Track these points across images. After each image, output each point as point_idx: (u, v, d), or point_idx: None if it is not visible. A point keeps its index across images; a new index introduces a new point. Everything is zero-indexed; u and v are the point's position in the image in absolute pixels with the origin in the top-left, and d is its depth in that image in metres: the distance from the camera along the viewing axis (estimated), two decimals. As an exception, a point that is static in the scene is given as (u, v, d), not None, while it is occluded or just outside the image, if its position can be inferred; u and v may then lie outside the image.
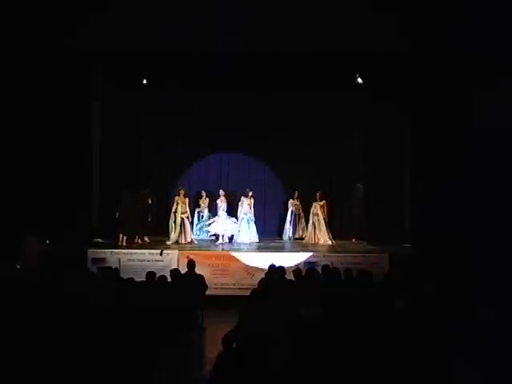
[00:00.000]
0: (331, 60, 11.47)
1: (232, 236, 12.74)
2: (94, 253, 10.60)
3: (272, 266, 8.19)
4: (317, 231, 12.87)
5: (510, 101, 9.62)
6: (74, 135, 11.43)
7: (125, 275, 8.34)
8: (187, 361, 6.71)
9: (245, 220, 12.78)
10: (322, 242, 12.74)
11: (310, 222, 12.99)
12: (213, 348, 5.99)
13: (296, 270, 8.37)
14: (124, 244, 11.70)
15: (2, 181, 10.50)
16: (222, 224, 12.70)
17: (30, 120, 10.81)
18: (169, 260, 10.50)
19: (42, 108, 10.94)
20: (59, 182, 11.18)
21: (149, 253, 10.75)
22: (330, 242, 12.71)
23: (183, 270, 8.86)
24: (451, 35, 10.10)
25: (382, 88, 11.90)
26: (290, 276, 8.07)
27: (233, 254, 10.81)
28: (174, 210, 12.46)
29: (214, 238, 12.91)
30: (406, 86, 11.56)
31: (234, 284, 10.36)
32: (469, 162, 10.26)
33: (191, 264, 8.78)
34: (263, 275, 8.20)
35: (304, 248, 12.01)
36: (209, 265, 10.40)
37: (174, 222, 12.37)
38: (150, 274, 7.78)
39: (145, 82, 12.83)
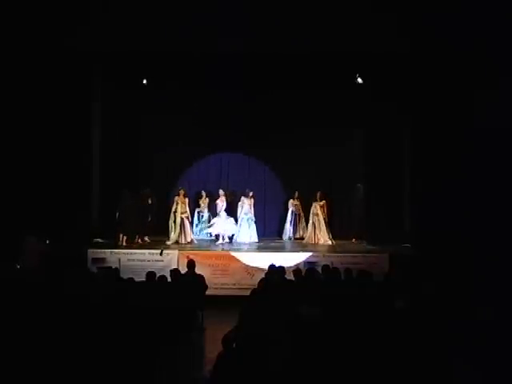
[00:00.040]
0: (331, 60, 11.47)
1: (232, 236, 12.75)
2: (93, 253, 10.60)
3: (272, 266, 8.19)
4: (317, 231, 12.87)
5: (510, 101, 9.62)
6: (74, 135, 11.43)
7: (125, 275, 8.33)
8: (187, 361, 6.71)
9: (245, 220, 12.79)
10: (322, 241, 12.74)
11: (310, 222, 12.99)
12: (213, 348, 5.98)
13: (296, 270, 8.37)
14: (124, 244, 11.69)
15: (2, 181, 10.50)
16: (222, 224, 12.71)
17: (30, 120, 10.81)
18: (169, 260, 10.50)
19: (42, 108, 10.94)
20: (59, 182, 11.18)
21: (149, 253, 10.74)
22: (329, 242, 12.71)
23: (183, 270, 8.85)
24: (451, 35, 10.10)
25: (381, 88, 11.90)
26: (290, 276, 8.06)
27: (233, 253, 10.81)
28: (173, 209, 12.46)
29: (214, 238, 12.91)
30: (406, 86, 11.56)
31: (234, 284, 10.36)
32: (469, 161, 10.26)
33: (191, 264, 8.78)
34: (263, 275, 8.20)
35: (304, 248, 12.01)
36: (209, 265, 10.40)
37: (174, 221, 12.37)
38: (150, 274, 7.78)
39: (145, 82, 12.82)
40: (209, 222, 13.14)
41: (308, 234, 13.04)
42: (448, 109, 10.63)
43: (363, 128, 13.20)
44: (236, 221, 12.88)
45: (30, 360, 4.83)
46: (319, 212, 12.89)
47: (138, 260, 10.56)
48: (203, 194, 13.42)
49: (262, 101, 13.31)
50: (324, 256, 10.73)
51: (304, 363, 4.53)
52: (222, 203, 12.90)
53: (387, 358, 4.72)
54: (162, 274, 8.04)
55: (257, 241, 12.70)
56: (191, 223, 12.87)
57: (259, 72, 12.12)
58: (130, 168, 13.10)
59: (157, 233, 12.66)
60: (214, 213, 13.10)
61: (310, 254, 10.80)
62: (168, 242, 12.13)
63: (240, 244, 12.40)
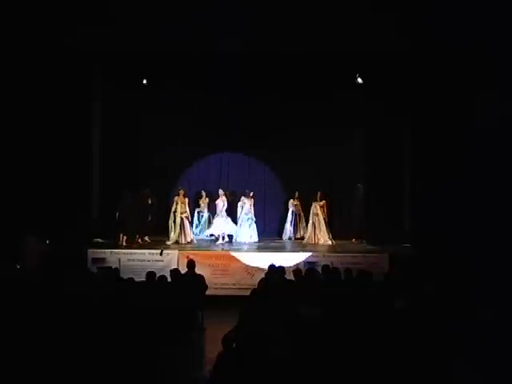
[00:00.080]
0: (331, 60, 11.48)
1: (232, 236, 12.75)
2: (93, 253, 10.60)
3: (272, 266, 8.19)
4: (317, 231, 12.87)
5: (510, 101, 9.62)
6: (74, 135, 11.44)
7: (125, 275, 8.33)
8: (187, 361, 6.71)
9: (246, 220, 12.79)
10: (322, 241, 12.74)
11: (310, 222, 12.99)
12: (213, 348, 5.98)
13: (296, 270, 8.36)
14: (124, 244, 11.69)
15: (2, 181, 10.50)
16: (221, 224, 12.71)
17: (30, 120, 10.82)
18: (169, 260, 10.50)
19: (42, 108, 10.95)
20: (59, 181, 11.18)
21: (149, 253, 10.75)
22: (329, 242, 12.71)
23: (183, 270, 8.85)
24: (451, 35, 10.10)
25: (382, 88, 11.89)
26: (290, 276, 8.06)
27: (233, 253, 10.81)
28: (173, 209, 12.46)
29: (213, 238, 12.91)
30: (406, 86, 11.56)
31: (234, 284, 10.36)
32: (469, 161, 10.26)
33: (191, 264, 8.78)
34: (263, 275, 8.20)
35: (304, 248, 12.01)
36: (209, 265, 10.40)
37: (174, 221, 12.37)
38: (150, 274, 7.78)
39: (145, 82, 12.82)
40: (209, 222, 13.15)
41: (308, 234, 13.03)
42: (448, 109, 10.62)
43: (363, 128, 13.19)
44: (235, 221, 12.89)
45: (30, 360, 4.83)
46: (319, 212, 12.88)
47: (138, 260, 10.56)
48: (203, 194, 13.41)
49: (262, 101, 13.29)
50: (324, 256, 10.73)
51: (304, 363, 4.53)
52: (222, 203, 12.90)
53: (387, 357, 4.73)
54: (161, 273, 8.04)
55: (257, 240, 12.70)
56: (191, 223, 12.87)
57: (259, 72, 12.13)
58: (130, 168, 13.10)
59: (157, 233, 12.66)
60: (213, 213, 13.10)
61: (310, 253, 10.79)
62: (168, 242, 12.14)
63: (240, 244, 12.40)
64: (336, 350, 4.79)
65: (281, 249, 12.13)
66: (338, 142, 13.67)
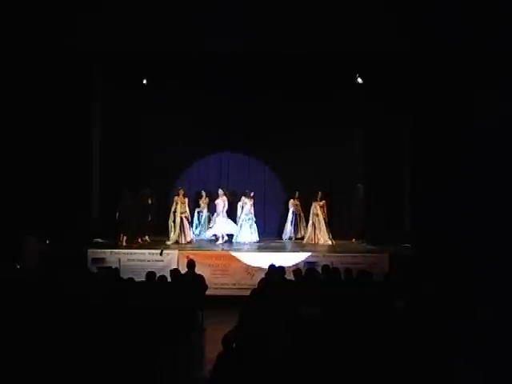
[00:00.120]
0: (331, 60, 11.48)
1: (232, 235, 12.75)
2: (93, 253, 10.60)
3: (272, 266, 8.18)
4: (317, 231, 12.87)
5: (510, 101, 9.62)
6: (74, 135, 11.44)
7: (125, 275, 8.33)
8: (187, 361, 6.71)
9: (246, 220, 12.79)
10: (322, 241, 12.74)
11: (310, 222, 12.99)
12: (213, 348, 5.98)
13: (296, 270, 8.36)
14: (124, 244, 11.69)
15: (2, 181, 10.50)
16: (221, 224, 12.71)
17: (30, 120, 10.82)
18: (169, 260, 10.50)
19: (42, 108, 10.95)
20: (59, 181, 11.18)
21: (149, 253, 10.75)
22: (329, 242, 12.71)
23: (183, 270, 8.85)
24: (451, 35, 10.10)
25: (382, 88, 11.89)
26: (290, 276, 8.06)
27: (233, 253, 10.81)
28: (173, 209, 12.46)
29: (213, 238, 12.91)
30: (406, 86, 11.56)
31: (234, 284, 10.37)
32: (469, 161, 10.26)
33: (191, 264, 8.77)
34: (263, 275, 8.20)
35: (304, 248, 12.02)
36: (209, 265, 10.40)
37: (174, 221, 12.37)
38: (150, 274, 7.77)
39: (145, 82, 12.82)
40: (209, 222, 13.15)
41: (308, 234, 13.03)
42: (448, 109, 10.62)
43: (363, 128, 13.19)
44: (235, 221, 12.88)
45: (30, 360, 4.83)
46: (319, 212, 12.89)
47: (138, 260, 10.57)
48: (203, 193, 13.41)
49: (262, 101, 13.29)
50: (324, 256, 10.73)
51: (304, 363, 4.53)
52: (222, 203, 12.89)
53: (387, 357, 4.73)
54: (161, 274, 8.03)
55: (257, 240, 12.70)
56: (191, 223, 12.87)
57: (259, 72, 12.13)
58: (130, 168, 13.11)
59: (157, 233, 12.66)
60: (213, 213, 13.09)
61: (310, 254, 10.80)
62: (168, 242, 12.14)
63: (240, 244, 12.40)
64: (336, 350, 4.79)
65: (281, 249, 12.13)
66: (338, 142, 13.67)
